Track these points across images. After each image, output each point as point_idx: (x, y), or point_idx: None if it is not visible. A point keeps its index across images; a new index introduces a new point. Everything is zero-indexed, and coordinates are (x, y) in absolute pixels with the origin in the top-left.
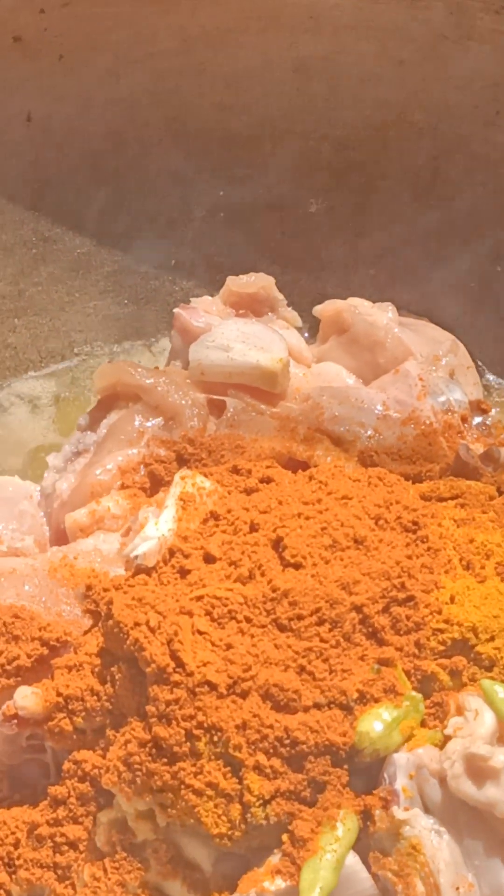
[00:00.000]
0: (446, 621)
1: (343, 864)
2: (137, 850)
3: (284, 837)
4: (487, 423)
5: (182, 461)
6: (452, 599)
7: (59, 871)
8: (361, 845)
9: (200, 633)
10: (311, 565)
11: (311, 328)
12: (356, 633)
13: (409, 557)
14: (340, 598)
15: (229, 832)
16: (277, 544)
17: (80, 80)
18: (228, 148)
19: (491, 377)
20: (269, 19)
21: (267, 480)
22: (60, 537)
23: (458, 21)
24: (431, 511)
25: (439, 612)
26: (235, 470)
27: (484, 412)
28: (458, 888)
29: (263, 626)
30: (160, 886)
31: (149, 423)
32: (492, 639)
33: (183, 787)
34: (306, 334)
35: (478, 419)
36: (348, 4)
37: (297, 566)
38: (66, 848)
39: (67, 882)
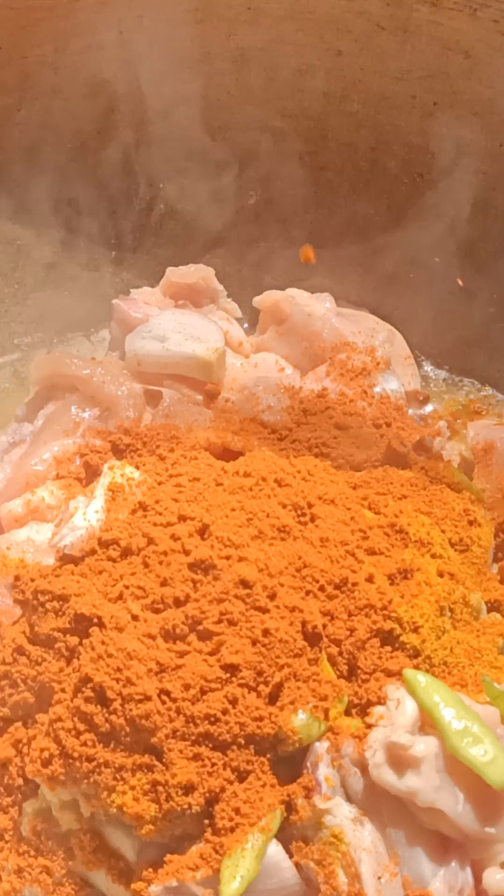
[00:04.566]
0: (371, 609)
1: (265, 854)
2: (63, 840)
3: (207, 826)
4: (424, 412)
5: (117, 451)
6: (378, 588)
7: None
8: (284, 834)
9: (129, 621)
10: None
11: (251, 319)
12: None
13: (335, 545)
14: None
15: (152, 821)
16: (204, 534)
17: (17, 72)
18: (167, 139)
19: (428, 368)
20: (206, 10)
21: (196, 471)
22: None
23: (394, 12)
24: (359, 500)
25: (365, 601)
26: (164, 459)
27: (421, 403)
28: (379, 877)
29: None
30: (85, 876)
31: (85, 414)
32: (416, 629)
33: (106, 776)
34: (246, 325)
35: (414, 409)
36: None
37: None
38: None
39: None
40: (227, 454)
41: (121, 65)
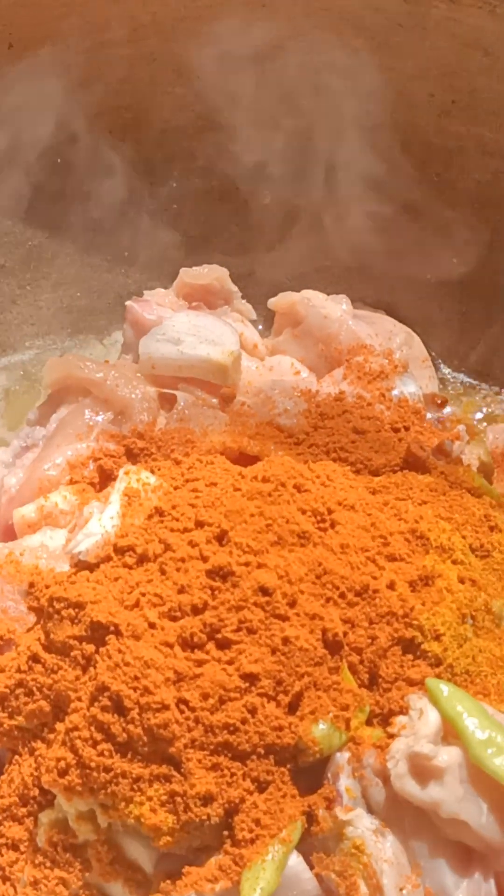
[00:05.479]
0: (392, 616)
1: (286, 865)
2: (79, 851)
3: (226, 837)
4: (442, 416)
5: (131, 455)
6: (400, 595)
7: (0, 872)
8: (305, 845)
9: (146, 629)
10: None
11: (266, 321)
12: None
13: (355, 551)
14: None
15: (170, 832)
16: (222, 540)
17: (30, 69)
18: (181, 138)
19: (446, 370)
20: (220, 7)
21: (213, 475)
22: (8, 533)
23: (412, 9)
24: (379, 505)
25: (386, 608)
26: (179, 464)
27: (439, 406)
28: (402, 889)
29: None
30: (102, 887)
31: (99, 418)
32: (438, 637)
33: (123, 787)
34: (261, 327)
35: (432, 413)
36: None
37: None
38: (6, 849)
39: (8, 883)
40: (244, 459)
41: (134, 63)
